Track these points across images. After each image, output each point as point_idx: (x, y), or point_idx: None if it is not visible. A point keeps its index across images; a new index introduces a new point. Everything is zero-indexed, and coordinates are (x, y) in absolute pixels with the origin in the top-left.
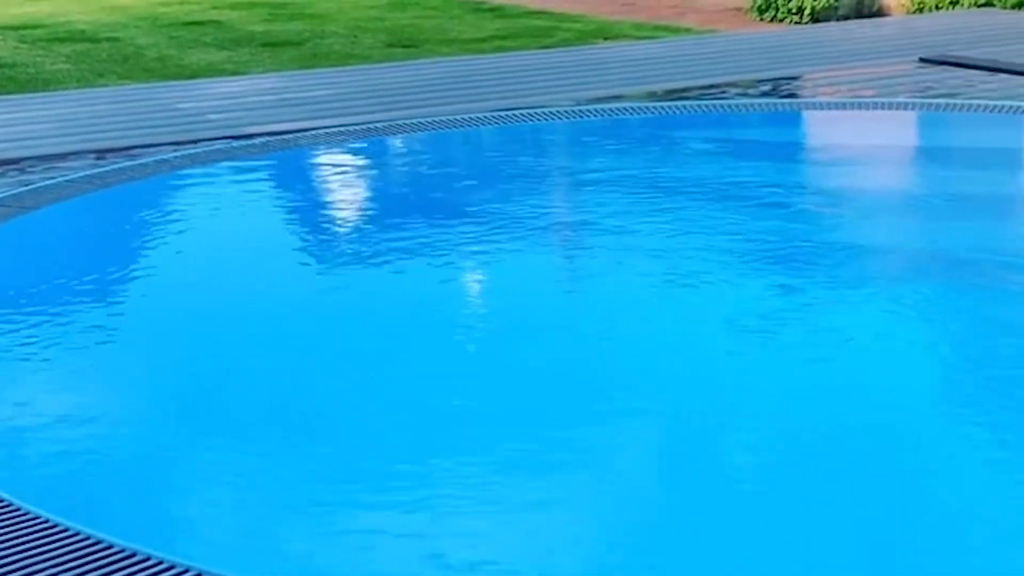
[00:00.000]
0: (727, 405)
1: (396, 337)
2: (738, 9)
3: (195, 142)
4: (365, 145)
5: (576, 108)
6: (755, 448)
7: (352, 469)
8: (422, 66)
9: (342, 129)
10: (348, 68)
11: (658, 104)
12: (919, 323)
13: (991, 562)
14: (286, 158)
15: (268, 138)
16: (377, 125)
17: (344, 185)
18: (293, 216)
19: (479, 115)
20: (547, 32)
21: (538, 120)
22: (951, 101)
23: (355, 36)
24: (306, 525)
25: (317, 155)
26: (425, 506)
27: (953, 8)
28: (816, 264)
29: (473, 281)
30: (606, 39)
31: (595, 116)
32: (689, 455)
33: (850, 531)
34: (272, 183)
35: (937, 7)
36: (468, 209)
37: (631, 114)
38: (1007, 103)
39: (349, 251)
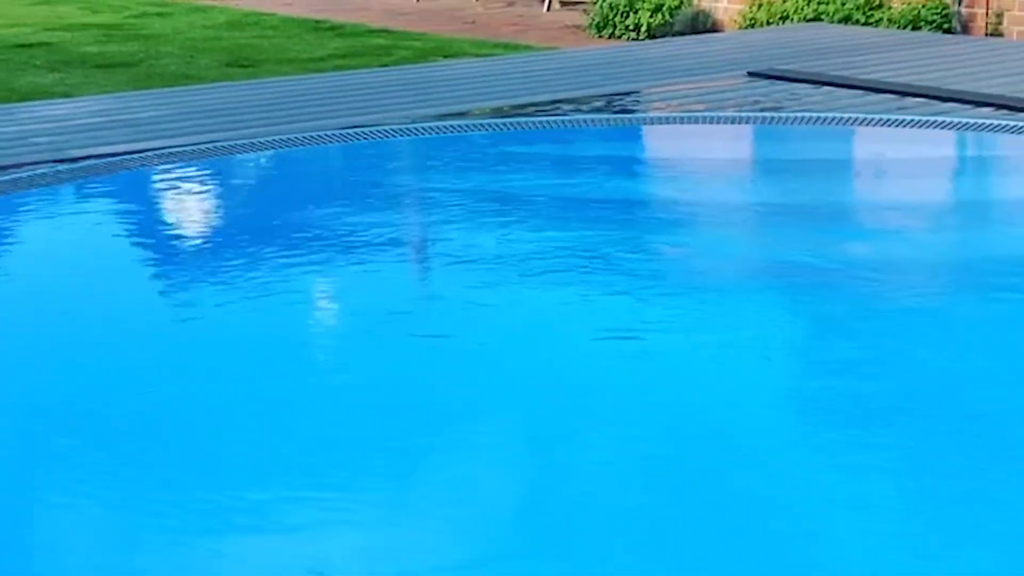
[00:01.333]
0: (568, 414)
1: (233, 360)
2: (577, 27)
3: (18, 166)
4: (196, 166)
5: (412, 125)
6: (594, 457)
7: (196, 495)
8: (259, 85)
9: (173, 150)
10: (183, 88)
11: (492, 121)
12: (756, 329)
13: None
14: (112, 181)
15: (95, 161)
16: (211, 146)
17: (170, 207)
18: (117, 239)
19: (318, 133)
20: (387, 51)
21: (375, 138)
22: (776, 114)
23: (191, 56)
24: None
25: (145, 177)
26: (267, 529)
27: (783, 23)
28: (648, 273)
29: (310, 300)
30: (446, 57)
31: (431, 133)
32: (532, 463)
33: (687, 537)
34: (96, 206)
35: (768, 22)
36: (302, 228)
37: (465, 131)
38: (830, 115)
39: (177, 273)
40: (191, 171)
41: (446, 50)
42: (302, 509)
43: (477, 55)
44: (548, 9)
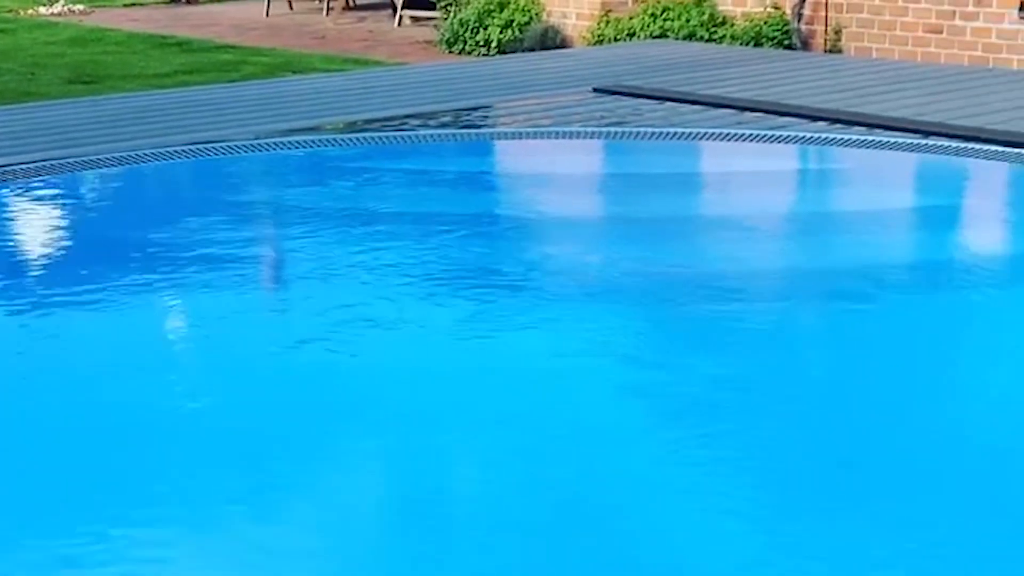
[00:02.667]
0: (422, 424)
1: (80, 383)
2: (428, 42)
3: None
4: (37, 184)
5: (258, 141)
6: (448, 473)
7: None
8: (103, 102)
9: (14, 168)
10: (23, 105)
11: (339, 136)
12: (608, 342)
13: None
14: None
15: None
16: (52, 163)
17: (11, 226)
18: None
19: (162, 150)
20: (234, 66)
21: (220, 154)
22: (619, 129)
23: (32, 73)
24: None
25: None
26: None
27: (630, 39)
28: (498, 287)
29: (158, 318)
30: (295, 72)
31: (278, 149)
32: (390, 475)
33: (544, 539)
34: None
35: (616, 39)
36: (146, 245)
37: (312, 147)
38: (671, 129)
39: (16, 294)
40: (32, 189)
41: (295, 65)
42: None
43: (326, 71)
44: (399, 25)
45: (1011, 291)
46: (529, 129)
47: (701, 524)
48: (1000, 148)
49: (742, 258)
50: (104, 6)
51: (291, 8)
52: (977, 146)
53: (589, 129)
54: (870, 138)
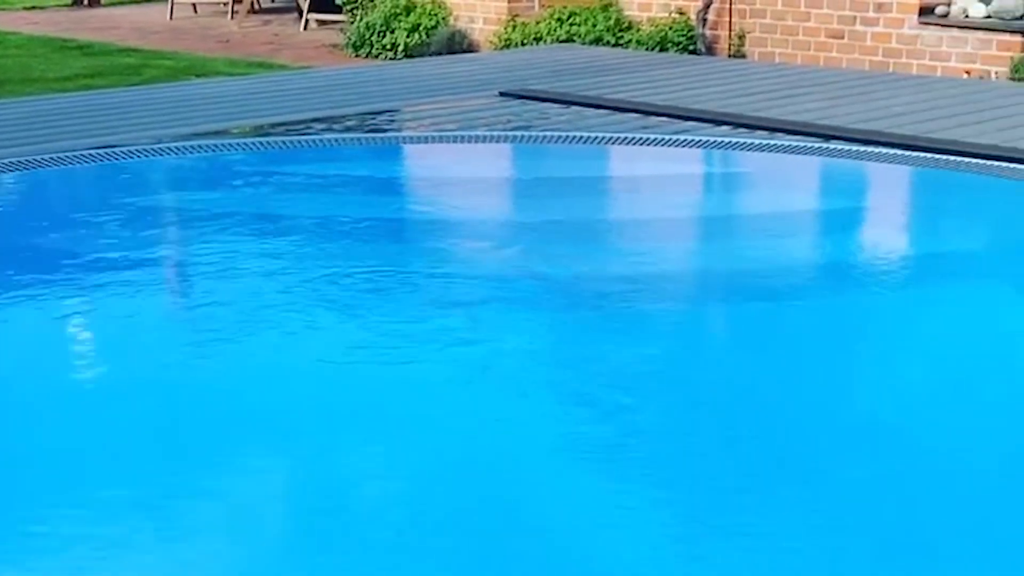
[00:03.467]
0: (319, 435)
1: None
2: (334, 45)
3: None
4: None
5: (160, 146)
6: (350, 479)
7: None
8: (2, 106)
9: None
10: None
11: (242, 141)
12: (513, 345)
13: None
14: None
15: None
16: None
17: None
18: None
19: (62, 155)
20: (136, 70)
21: (120, 159)
22: (524, 133)
23: None
24: None
25: None
26: None
27: (537, 44)
28: (399, 292)
29: (50, 323)
30: (199, 76)
31: (180, 153)
32: (301, 491)
33: (457, 549)
34: None
35: (523, 43)
36: (44, 251)
37: (215, 151)
38: (576, 133)
39: None
40: None
41: (199, 69)
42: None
43: (231, 74)
44: (304, 28)
45: (905, 291)
46: (434, 133)
47: (607, 522)
48: (899, 151)
49: (644, 260)
50: (3, 8)
51: (195, 11)
52: (876, 149)
53: (495, 133)
54: (772, 142)
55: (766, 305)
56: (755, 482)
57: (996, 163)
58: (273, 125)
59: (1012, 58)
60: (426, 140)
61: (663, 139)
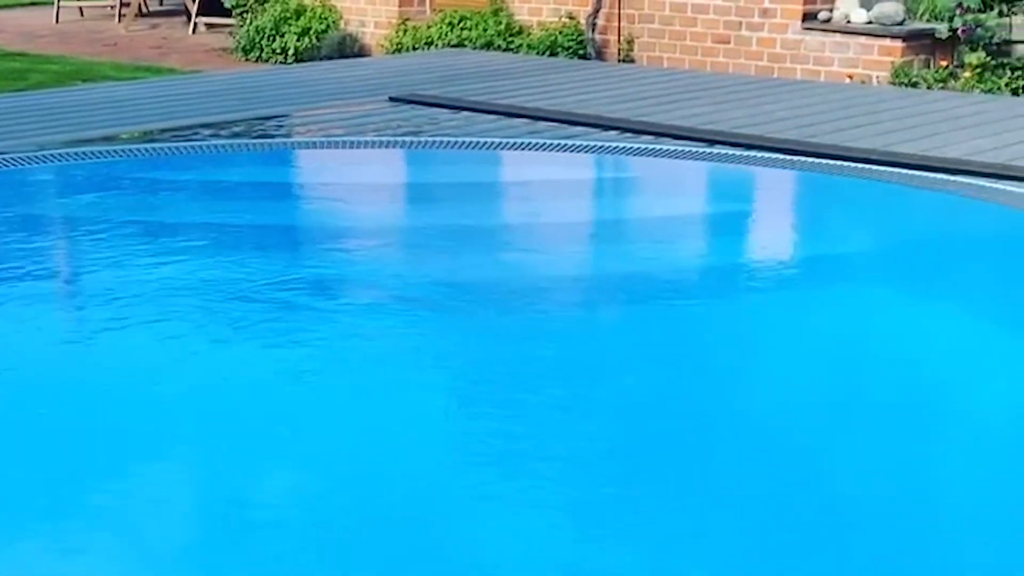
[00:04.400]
0: (223, 438)
1: None
2: (224, 49)
3: None
4: None
5: (42, 153)
6: (245, 485)
7: None
8: None
9: None
10: None
11: (127, 147)
12: (402, 349)
13: None
14: None
15: None
16: None
17: None
18: None
19: None
20: (21, 75)
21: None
22: (413, 139)
23: None
24: None
25: None
26: None
27: (428, 48)
28: (282, 299)
29: None
30: (85, 81)
31: (62, 160)
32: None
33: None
34: None
35: (414, 47)
36: None
37: (98, 158)
38: (465, 139)
39: None
40: None
41: (85, 73)
42: None
43: (118, 79)
44: (193, 32)
45: (781, 292)
46: (323, 139)
47: (505, 522)
48: (781, 155)
49: (530, 264)
50: None
51: (82, 14)
52: (759, 154)
53: (384, 139)
54: (657, 146)
55: (649, 306)
56: (637, 478)
57: (874, 167)
58: (161, 131)
59: (893, 63)
60: (314, 146)
61: (551, 144)
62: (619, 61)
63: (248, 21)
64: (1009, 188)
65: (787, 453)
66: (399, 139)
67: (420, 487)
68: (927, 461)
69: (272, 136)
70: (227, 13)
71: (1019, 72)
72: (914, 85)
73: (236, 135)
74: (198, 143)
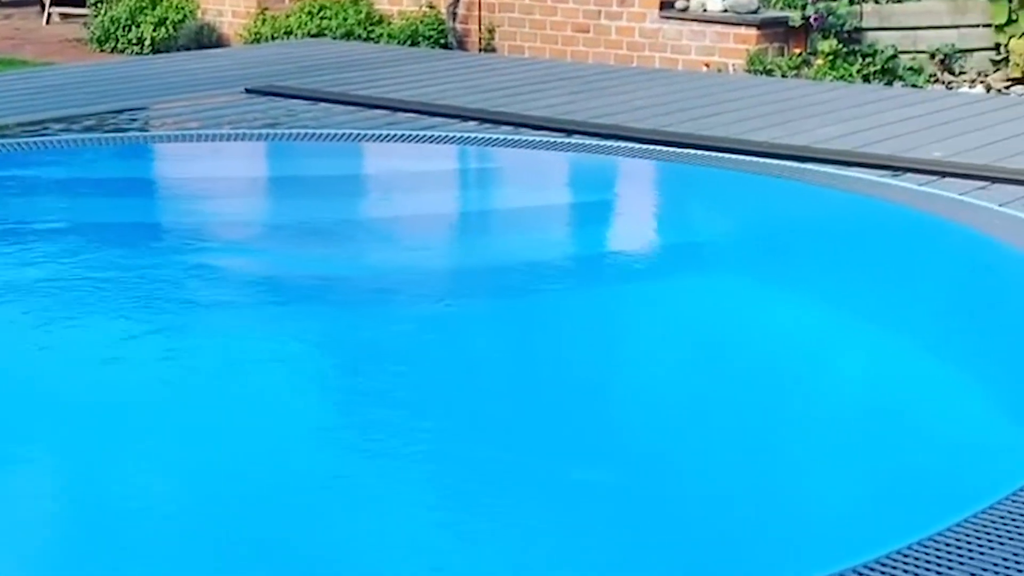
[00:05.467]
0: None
1: None
2: (78, 40)
3: None
4: None
5: None
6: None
7: None
8: None
9: None
10: None
11: None
12: (263, 346)
13: None
14: None
15: None
16: None
17: None
18: None
19: None
20: None
21: None
22: (270, 131)
23: None
24: None
25: None
26: None
27: (288, 38)
28: (159, 297)
29: None
30: None
31: None
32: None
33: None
34: None
35: (273, 37)
36: None
37: None
38: (322, 131)
39: None
40: None
41: None
42: None
43: None
44: (47, 22)
45: (633, 282)
46: (177, 133)
47: (379, 516)
48: (637, 145)
49: (387, 258)
50: None
51: None
52: (616, 143)
53: (239, 132)
54: (516, 137)
55: (504, 298)
56: (497, 467)
57: (727, 155)
58: (11, 125)
59: (748, 51)
60: (167, 140)
61: (409, 135)
62: (480, 51)
63: (103, 11)
64: (857, 175)
65: (641, 439)
66: (254, 132)
67: (280, 475)
68: (776, 447)
69: (125, 130)
70: (81, 3)
71: (870, 59)
72: (769, 72)
73: (88, 129)
74: (49, 138)
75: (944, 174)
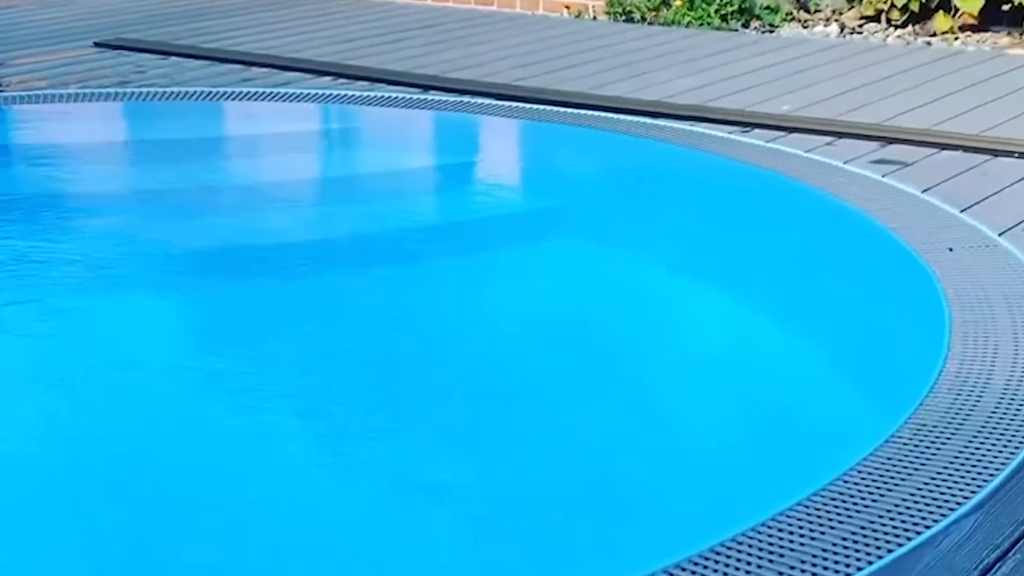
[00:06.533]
0: None
1: None
2: None
3: None
4: None
5: None
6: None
7: None
8: None
9: None
10: None
11: None
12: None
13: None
14: None
15: None
16: None
17: None
18: None
19: None
20: None
21: None
22: (119, 90)
23: None
24: None
25: None
26: None
27: None
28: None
29: None
30: None
31: None
32: None
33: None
34: None
35: None
36: None
37: None
38: (174, 89)
39: None
40: None
41: None
42: None
43: None
44: None
45: (490, 248)
46: (21, 93)
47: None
48: (493, 101)
49: (249, 227)
50: None
51: None
52: (471, 100)
53: (88, 91)
54: (371, 93)
55: (356, 265)
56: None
57: (581, 111)
58: None
59: None
60: (11, 101)
61: (263, 93)
62: None
63: None
64: (708, 131)
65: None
66: (103, 91)
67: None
68: (582, 434)
69: None
70: None
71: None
72: (628, 15)
73: None
74: None
75: (791, 129)
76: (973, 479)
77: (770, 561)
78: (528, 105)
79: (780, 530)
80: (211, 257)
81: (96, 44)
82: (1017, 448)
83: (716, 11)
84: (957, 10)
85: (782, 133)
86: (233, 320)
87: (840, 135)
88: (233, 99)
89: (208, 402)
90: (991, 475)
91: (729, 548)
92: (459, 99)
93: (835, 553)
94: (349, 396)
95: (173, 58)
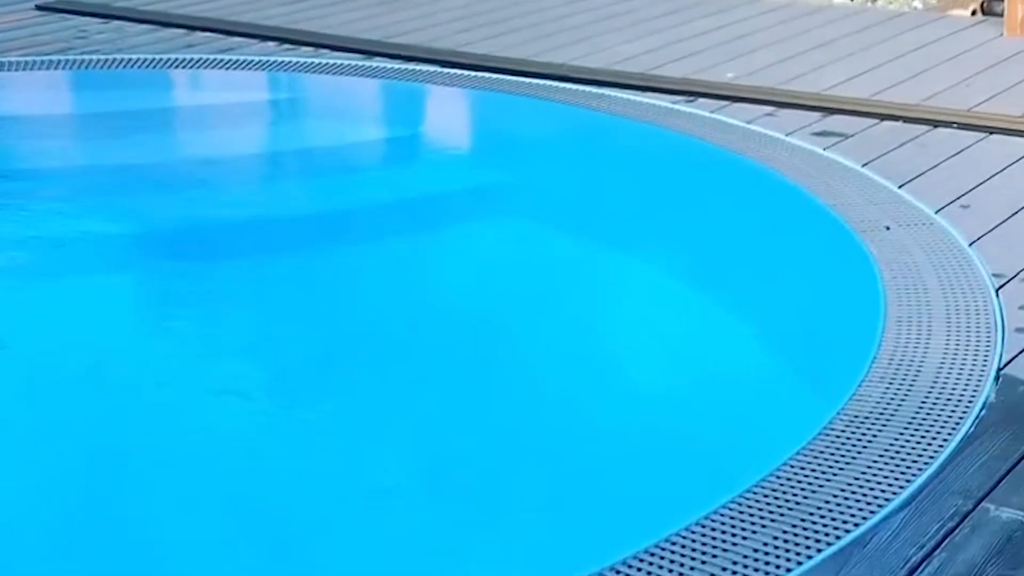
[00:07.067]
0: None
1: None
2: None
3: None
4: None
5: None
6: None
7: None
8: None
9: None
10: None
11: None
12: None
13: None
14: None
15: None
16: None
17: None
18: None
19: None
20: None
21: None
22: (62, 57)
23: None
24: None
25: None
26: None
27: None
28: None
29: None
30: None
31: None
32: None
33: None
34: None
35: None
36: None
37: None
38: (117, 56)
39: None
40: None
41: None
42: None
43: None
44: None
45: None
46: None
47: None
48: (437, 68)
49: (172, 202)
50: None
51: None
52: (415, 67)
53: (29, 59)
54: (315, 60)
55: (298, 247)
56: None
57: (524, 79)
58: None
59: None
60: None
61: (206, 60)
62: None
63: None
64: (652, 100)
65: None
66: (45, 59)
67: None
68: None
69: None
70: None
71: None
72: None
73: None
74: None
75: (735, 99)
76: (903, 473)
77: (703, 563)
78: (471, 73)
79: (714, 529)
80: (144, 236)
81: (38, 7)
82: (945, 440)
83: None
84: None
85: (726, 103)
86: (157, 299)
87: (783, 105)
88: (176, 67)
89: (139, 386)
90: (919, 469)
91: (663, 549)
92: (403, 66)
93: (766, 553)
94: (283, 383)
95: (115, 22)
